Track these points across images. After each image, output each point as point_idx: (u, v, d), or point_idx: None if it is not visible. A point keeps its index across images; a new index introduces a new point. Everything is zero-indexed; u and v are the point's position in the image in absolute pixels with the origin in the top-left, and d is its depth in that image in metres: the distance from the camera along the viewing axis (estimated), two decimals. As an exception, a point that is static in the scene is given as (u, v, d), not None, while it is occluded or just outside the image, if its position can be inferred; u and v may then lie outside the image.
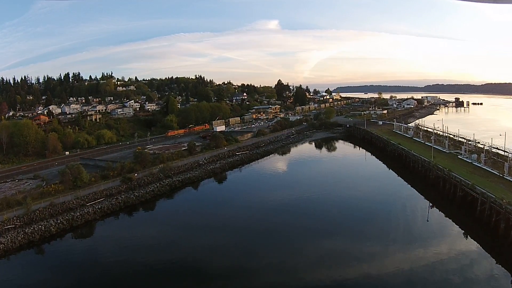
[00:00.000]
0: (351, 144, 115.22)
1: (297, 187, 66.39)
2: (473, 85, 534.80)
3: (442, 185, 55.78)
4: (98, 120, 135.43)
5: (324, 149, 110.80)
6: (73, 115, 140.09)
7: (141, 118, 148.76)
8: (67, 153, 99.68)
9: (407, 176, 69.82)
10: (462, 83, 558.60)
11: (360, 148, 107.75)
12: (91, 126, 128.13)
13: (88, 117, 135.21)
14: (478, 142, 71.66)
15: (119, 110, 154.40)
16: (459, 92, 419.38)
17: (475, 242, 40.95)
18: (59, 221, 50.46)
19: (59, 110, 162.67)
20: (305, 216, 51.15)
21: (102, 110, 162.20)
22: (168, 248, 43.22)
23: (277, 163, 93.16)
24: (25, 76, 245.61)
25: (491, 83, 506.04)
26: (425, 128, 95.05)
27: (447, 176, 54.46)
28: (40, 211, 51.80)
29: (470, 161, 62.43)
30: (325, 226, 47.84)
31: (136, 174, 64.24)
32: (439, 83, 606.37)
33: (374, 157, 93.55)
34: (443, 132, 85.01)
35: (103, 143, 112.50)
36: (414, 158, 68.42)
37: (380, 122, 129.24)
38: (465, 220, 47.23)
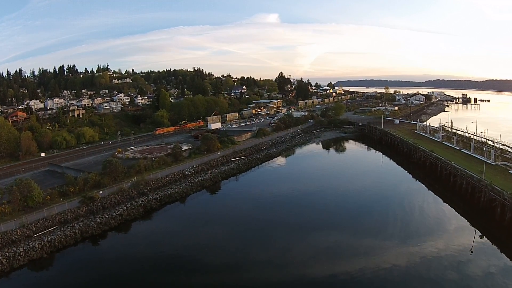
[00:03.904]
0: (366, 146, 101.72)
1: (309, 208, 53.24)
2: (474, 81, 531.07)
3: (500, 212, 42.37)
4: (81, 116, 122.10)
5: (336, 153, 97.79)
6: (54, 111, 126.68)
7: (129, 114, 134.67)
8: (42, 154, 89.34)
9: (443, 192, 56.69)
10: (463, 79, 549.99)
11: (377, 152, 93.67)
12: (73, 123, 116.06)
13: (70, 113, 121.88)
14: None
15: (106, 104, 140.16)
16: (460, 88, 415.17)
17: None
18: (-4, 260, 38.58)
19: (41, 105, 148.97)
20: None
21: (88, 104, 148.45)
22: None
23: (280, 169, 79.80)
24: (19, 69, 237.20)
25: (493, 80, 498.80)
26: (454, 130, 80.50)
27: (508, 202, 41.01)
28: (-25, 245, 39.98)
29: (527, 178, 48.91)
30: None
31: (100, 192, 50.32)
32: (440, 79, 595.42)
33: (399, 166, 78.02)
34: (479, 136, 71.12)
35: (84, 142, 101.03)
36: (455, 171, 54.25)
37: (397, 121, 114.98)
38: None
